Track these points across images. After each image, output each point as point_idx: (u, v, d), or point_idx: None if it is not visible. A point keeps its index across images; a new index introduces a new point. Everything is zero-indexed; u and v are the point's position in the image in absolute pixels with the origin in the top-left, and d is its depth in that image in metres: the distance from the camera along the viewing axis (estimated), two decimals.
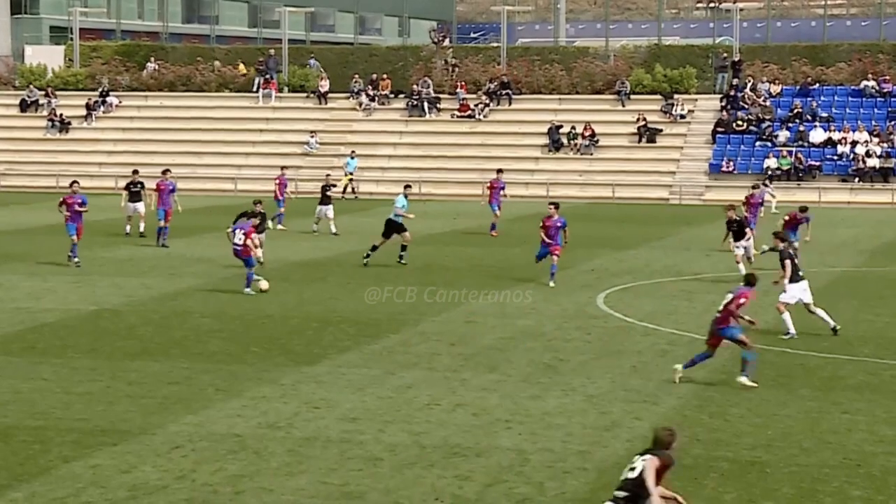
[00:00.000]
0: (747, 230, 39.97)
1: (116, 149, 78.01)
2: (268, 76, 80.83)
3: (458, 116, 77.72)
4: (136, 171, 50.90)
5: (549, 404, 23.38)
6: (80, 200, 41.66)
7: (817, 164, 70.45)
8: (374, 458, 19.86)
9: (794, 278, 29.92)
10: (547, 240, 37.93)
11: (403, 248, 42.18)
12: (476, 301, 34.99)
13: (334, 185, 55.20)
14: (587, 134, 74.14)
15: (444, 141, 75.96)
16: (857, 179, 69.18)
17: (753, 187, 51.39)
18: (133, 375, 25.56)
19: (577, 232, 49.80)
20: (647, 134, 74.06)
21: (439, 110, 78.01)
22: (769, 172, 69.96)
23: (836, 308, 34.02)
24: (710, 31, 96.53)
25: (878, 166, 69.32)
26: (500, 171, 54.85)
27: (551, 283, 37.30)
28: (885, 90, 74.38)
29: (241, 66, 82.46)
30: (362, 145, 75.66)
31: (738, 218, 40.22)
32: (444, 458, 19.86)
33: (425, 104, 77.75)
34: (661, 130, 74.34)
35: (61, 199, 42.33)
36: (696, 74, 77.68)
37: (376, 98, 79.11)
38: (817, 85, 76.08)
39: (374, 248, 41.76)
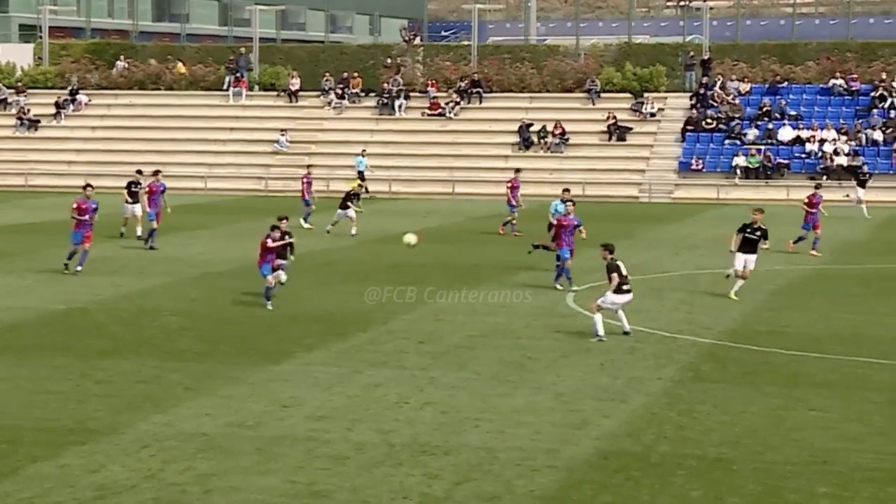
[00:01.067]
0: (763, 243, 35.78)
1: (86, 147, 77.79)
2: (238, 74, 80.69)
3: (428, 115, 77.72)
4: (139, 171, 50.28)
5: (519, 402, 23.41)
6: (93, 206, 39.39)
7: (786, 162, 70.70)
8: (341, 456, 19.85)
9: (620, 290, 29.27)
10: (563, 241, 36.95)
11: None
12: (445, 299, 35.01)
13: (357, 196, 54.71)
14: (557, 132, 74.22)
15: (414, 139, 75.98)
16: (824, 177, 69.39)
17: (816, 187, 50.01)
18: (102, 374, 25.50)
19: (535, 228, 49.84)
20: (617, 132, 74.18)
21: (408, 108, 77.98)
22: (737, 171, 70.21)
23: (804, 305, 34.21)
24: (681, 29, 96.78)
25: (845, 164, 69.57)
26: (518, 170, 54.46)
27: (559, 286, 36.76)
28: (853, 88, 74.68)
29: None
30: (332, 143, 75.72)
31: (763, 226, 35.47)
32: (412, 456, 19.87)
33: (395, 102, 77.74)
34: (630, 129, 74.46)
35: (75, 204, 39.61)
36: (665, 73, 77.88)
37: (347, 96, 79.05)
38: (786, 83, 76.34)
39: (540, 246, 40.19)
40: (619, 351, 28.01)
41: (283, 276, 33.85)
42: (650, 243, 49.36)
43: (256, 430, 21.36)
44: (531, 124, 74.70)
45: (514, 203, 51.40)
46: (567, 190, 44.00)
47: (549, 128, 74.37)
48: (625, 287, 29.28)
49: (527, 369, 26.28)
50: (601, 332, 28.94)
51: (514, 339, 29.41)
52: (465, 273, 40.03)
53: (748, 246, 35.13)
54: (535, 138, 74.46)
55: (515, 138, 74.90)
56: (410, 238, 32.72)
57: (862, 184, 61.40)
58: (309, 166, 58.22)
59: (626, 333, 29.21)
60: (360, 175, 65.98)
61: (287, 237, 34.03)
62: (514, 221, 50.91)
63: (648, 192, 70.39)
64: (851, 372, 26.29)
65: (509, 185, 52.23)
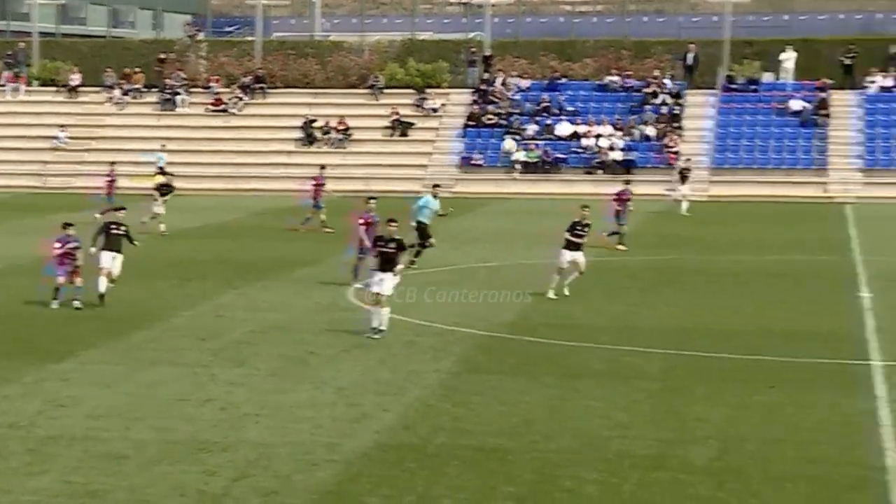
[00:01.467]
0: (583, 242, 35.01)
1: None
2: (16, 70, 78.92)
3: (211, 110, 77.05)
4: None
5: (299, 397, 23.39)
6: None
7: (564, 156, 71.86)
8: (119, 455, 19.60)
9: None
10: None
11: (424, 247, 41.03)
12: (226, 295, 34.79)
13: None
14: (341, 128, 74.28)
15: (197, 135, 75.23)
16: (600, 171, 70.77)
17: (626, 182, 50.56)
18: None
19: (334, 225, 49.91)
20: (400, 128, 74.54)
21: (191, 104, 77.24)
22: (517, 166, 71.13)
23: (582, 297, 34.76)
24: (463, 26, 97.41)
25: (620, 158, 71.05)
26: (322, 166, 54.11)
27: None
28: (628, 85, 76.21)
29: None
30: (113, 139, 74.52)
31: (587, 222, 35.17)
32: (190, 453, 19.71)
33: (177, 98, 76.89)
34: (413, 124, 74.86)
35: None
36: (448, 69, 78.47)
37: (129, 92, 77.90)
38: (564, 79, 77.60)
39: (418, 253, 40.30)
40: (399, 345, 28.16)
41: (115, 270, 33.26)
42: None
43: (29, 431, 20.94)
44: (314, 120, 74.60)
45: (317, 200, 51.21)
46: (437, 185, 43.78)
47: (333, 123, 74.37)
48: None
49: (308, 365, 26.28)
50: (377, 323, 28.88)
51: (295, 335, 29.36)
52: (245, 269, 39.81)
53: (575, 243, 34.75)
54: (318, 134, 74.41)
55: (299, 134, 74.71)
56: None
57: (683, 179, 61.63)
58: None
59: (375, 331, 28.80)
60: (161, 171, 65.05)
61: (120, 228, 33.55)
62: (324, 217, 50.68)
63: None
64: (624, 361, 26.85)
65: (314, 182, 52.07)
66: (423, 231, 40.88)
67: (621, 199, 47.73)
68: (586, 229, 35.07)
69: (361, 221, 35.84)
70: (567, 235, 34.87)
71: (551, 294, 34.36)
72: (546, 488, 18.17)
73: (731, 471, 18.94)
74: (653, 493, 17.91)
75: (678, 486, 18.25)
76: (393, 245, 29.14)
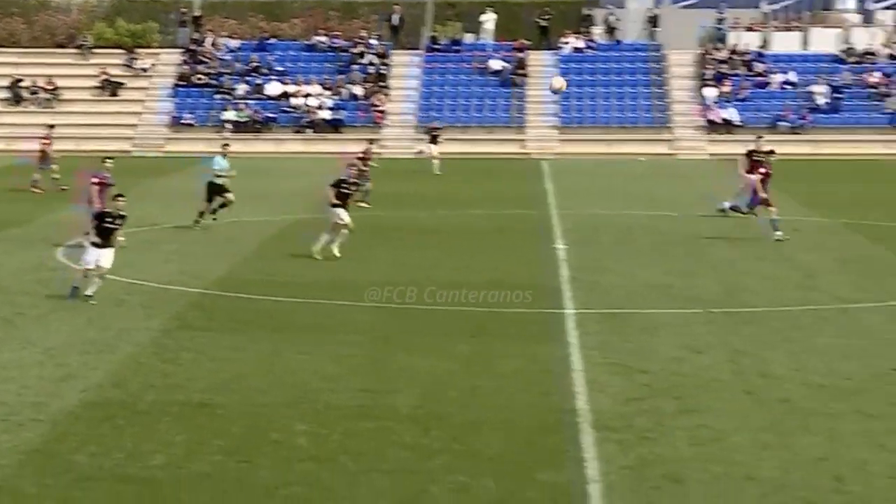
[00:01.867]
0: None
1: None
2: None
3: None
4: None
5: (5, 358, 22.80)
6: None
7: (274, 116, 71.60)
8: None
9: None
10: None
11: (223, 206, 39.92)
12: None
13: None
14: (49, 88, 72.43)
15: None
16: (310, 130, 70.81)
17: (370, 142, 48.08)
18: None
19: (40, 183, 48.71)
20: (110, 87, 73.12)
21: None
22: (226, 125, 70.58)
23: (287, 254, 34.69)
24: None
25: (329, 118, 71.20)
26: (51, 126, 52.45)
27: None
28: (335, 45, 76.34)
29: None
30: None
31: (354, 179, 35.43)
32: None
33: None
34: (123, 84, 73.51)
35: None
36: (158, 29, 77.30)
37: None
38: (273, 40, 77.27)
39: (202, 213, 39.31)
40: (108, 304, 27.66)
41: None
42: (140, 196, 48.78)
43: None
44: (21, 80, 72.52)
45: (45, 160, 50.17)
46: (227, 145, 43.14)
47: (41, 83, 72.45)
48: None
49: (14, 325, 25.64)
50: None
51: (2, 296, 28.60)
52: None
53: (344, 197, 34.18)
54: (25, 94, 72.43)
55: (6, 94, 72.55)
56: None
57: (434, 140, 61.09)
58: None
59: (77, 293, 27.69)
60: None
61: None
62: (56, 176, 49.61)
63: (141, 147, 69.72)
64: (335, 315, 26.97)
65: (42, 141, 50.99)
66: (215, 190, 40.09)
67: (365, 158, 47.31)
68: (353, 187, 34.93)
69: (96, 181, 35.02)
70: (333, 192, 34.20)
71: (318, 254, 33.66)
72: (255, 441, 18.16)
73: (434, 417, 19.27)
74: (360, 442, 18.10)
75: (384, 433, 18.49)
76: (119, 221, 28.18)
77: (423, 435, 18.43)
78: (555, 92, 24.27)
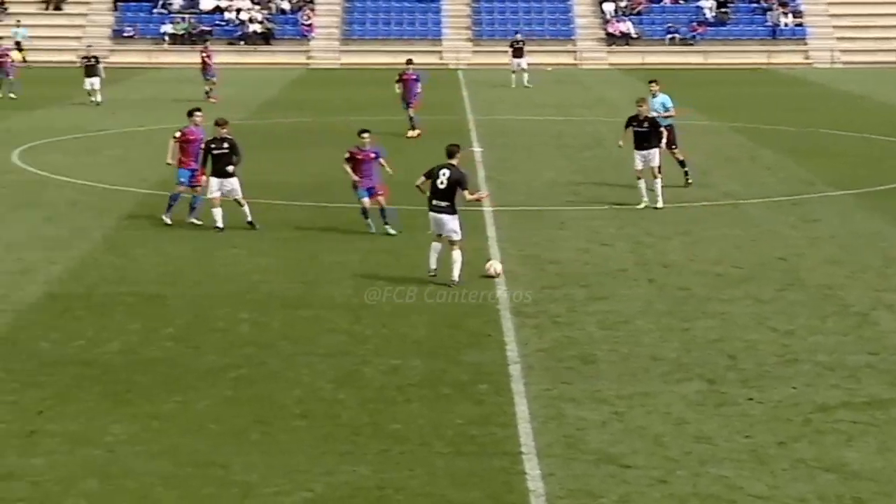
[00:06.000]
0: (661, 133, 27.38)
1: None
2: None
3: None
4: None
5: None
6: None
7: (209, 28, 70.62)
8: None
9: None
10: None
11: None
12: None
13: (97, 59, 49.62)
14: None
15: None
16: (242, 42, 69.98)
17: (408, 62, 41.38)
18: None
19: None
20: (54, 1, 71.72)
21: None
22: (166, 37, 69.59)
23: None
24: None
25: (260, 31, 70.39)
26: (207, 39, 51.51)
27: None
28: None
29: None
30: None
31: (646, 115, 27.51)
32: None
33: None
34: None
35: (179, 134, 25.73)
36: None
37: None
38: None
39: None
40: (64, 204, 27.37)
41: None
42: (85, 105, 48.18)
43: None
44: None
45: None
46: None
47: None
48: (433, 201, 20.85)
49: None
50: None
51: None
52: None
53: (640, 141, 27.30)
54: None
55: None
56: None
57: (518, 53, 58.57)
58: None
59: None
60: (18, 45, 61.88)
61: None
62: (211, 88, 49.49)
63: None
64: (268, 213, 26.76)
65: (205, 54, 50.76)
66: None
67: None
68: (644, 125, 27.15)
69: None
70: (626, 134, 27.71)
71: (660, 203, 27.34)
72: (202, 328, 18.16)
73: (364, 307, 19.31)
74: (298, 328, 18.15)
75: (321, 321, 18.53)
76: (226, 146, 24.58)
77: (356, 322, 18.49)
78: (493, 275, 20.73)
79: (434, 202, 20.59)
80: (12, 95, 48.49)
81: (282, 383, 15.75)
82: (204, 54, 51.23)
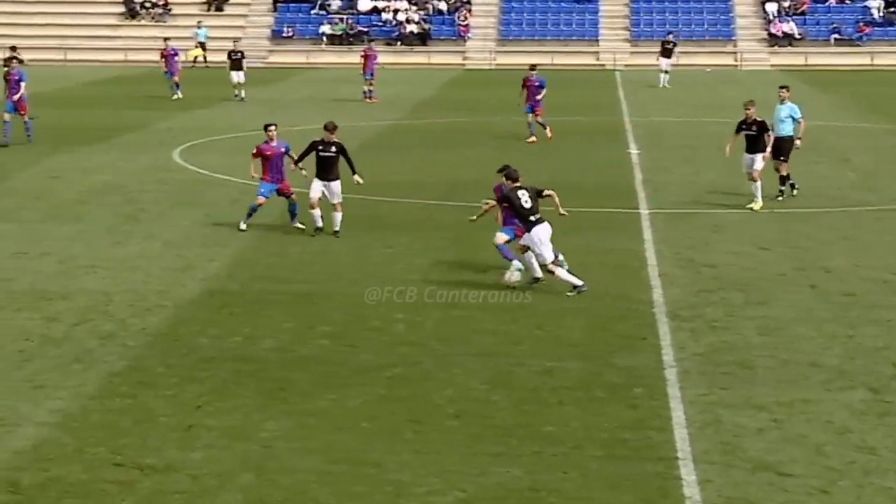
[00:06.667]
0: (768, 136, 27.13)
1: None
2: None
3: None
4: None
5: (131, 250, 23.13)
6: (282, 149, 25.20)
7: (366, 29, 71.34)
8: None
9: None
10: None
11: None
12: (58, 159, 34.02)
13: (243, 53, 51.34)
14: (161, 3, 72.58)
15: (25, 9, 72.65)
16: (399, 43, 70.54)
17: (531, 67, 39.85)
18: None
19: (146, 93, 49.07)
20: (216, 2, 73.12)
21: None
22: (324, 38, 70.51)
23: (378, 158, 34.75)
24: None
25: (416, 31, 70.87)
26: (372, 39, 52.82)
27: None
28: None
29: None
30: None
31: (754, 118, 27.21)
32: (31, 301, 19.41)
33: None
34: None
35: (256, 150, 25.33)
36: None
37: None
38: None
39: None
40: (222, 203, 27.90)
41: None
42: (246, 105, 49.09)
43: None
44: None
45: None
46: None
47: None
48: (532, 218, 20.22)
49: (138, 221, 25.94)
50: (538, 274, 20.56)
51: (125, 194, 28.92)
52: (75, 134, 38.91)
53: (749, 145, 27.42)
54: (138, 8, 72.66)
55: (122, 8, 72.82)
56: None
57: (667, 53, 58.75)
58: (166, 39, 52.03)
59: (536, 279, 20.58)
60: (202, 45, 64.09)
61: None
62: (372, 89, 49.63)
63: (246, 58, 69.60)
64: (418, 213, 26.95)
65: (169, 54, 50.84)
66: None
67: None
68: (753, 128, 27.36)
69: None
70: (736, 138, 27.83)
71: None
72: (357, 327, 18.32)
73: (519, 307, 19.30)
74: (451, 328, 18.21)
75: (474, 321, 18.57)
76: (333, 148, 24.42)
77: (511, 322, 18.49)
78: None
79: (532, 218, 20.07)
80: (178, 96, 49.58)
81: (435, 383, 15.82)
82: (367, 54, 51.34)
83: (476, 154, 35.96)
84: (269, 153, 24.90)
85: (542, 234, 19.98)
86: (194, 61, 65.51)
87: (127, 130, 39.83)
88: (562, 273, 19.97)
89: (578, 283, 19.88)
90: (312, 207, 24.45)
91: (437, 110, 47.60)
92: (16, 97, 36.33)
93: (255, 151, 25.23)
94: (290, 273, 21.55)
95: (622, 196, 29.05)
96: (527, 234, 20.14)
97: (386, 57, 67.50)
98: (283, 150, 24.95)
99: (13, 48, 45.47)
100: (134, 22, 72.07)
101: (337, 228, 24.38)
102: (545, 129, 38.42)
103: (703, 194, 29.27)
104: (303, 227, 24.83)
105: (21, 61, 41.15)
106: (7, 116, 36.30)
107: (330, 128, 24.72)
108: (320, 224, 24.43)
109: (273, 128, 25.13)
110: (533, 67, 39.64)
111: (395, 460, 13.28)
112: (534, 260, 20.38)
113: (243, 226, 24.68)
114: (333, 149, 24.50)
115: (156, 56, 53.07)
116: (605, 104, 49.86)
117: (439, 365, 16.55)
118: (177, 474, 12.91)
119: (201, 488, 12.61)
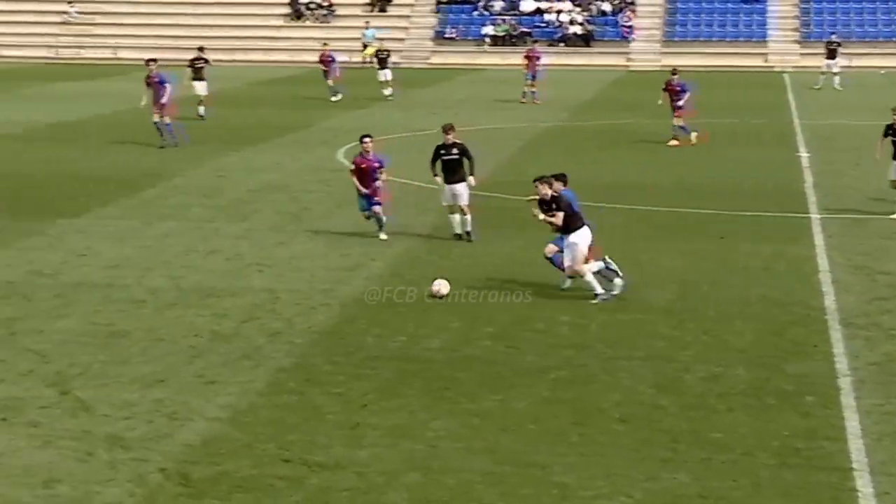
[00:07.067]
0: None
1: None
2: None
3: None
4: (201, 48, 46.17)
5: (296, 249, 23.46)
6: (376, 164, 24.58)
7: (528, 30, 71.31)
8: (137, 300, 19.70)
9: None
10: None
11: None
12: (225, 157, 34.68)
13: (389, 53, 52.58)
14: (325, 4, 73.49)
15: (194, 10, 74.18)
16: (562, 44, 70.37)
17: (673, 72, 39.43)
18: None
19: (310, 93, 49.72)
20: (380, 3, 73.79)
21: None
22: (487, 39, 70.66)
23: (541, 157, 34.71)
24: None
25: (580, 32, 70.61)
26: (535, 40, 53.36)
27: None
28: None
29: None
30: (116, 14, 73.42)
31: None
32: (201, 299, 19.82)
33: None
34: (391, 0, 74.08)
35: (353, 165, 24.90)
36: None
37: None
38: None
39: None
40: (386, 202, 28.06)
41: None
42: (408, 105, 49.45)
43: (55, 278, 21.01)
44: None
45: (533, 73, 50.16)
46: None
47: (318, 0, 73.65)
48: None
49: (302, 220, 26.31)
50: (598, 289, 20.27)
51: (290, 193, 29.35)
52: (242, 133, 39.62)
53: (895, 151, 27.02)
54: (303, 9, 73.70)
55: (287, 10, 73.92)
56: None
57: (832, 54, 57.78)
58: (325, 42, 51.78)
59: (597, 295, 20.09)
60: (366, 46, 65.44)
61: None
62: (535, 90, 49.81)
63: (409, 59, 70.27)
64: (592, 214, 26.71)
65: (527, 55, 51.01)
66: None
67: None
68: None
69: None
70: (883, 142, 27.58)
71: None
72: (522, 328, 18.33)
73: (687, 311, 19.14)
74: (617, 332, 18.11)
75: (640, 325, 18.45)
76: (456, 151, 24.38)
77: (677, 327, 18.32)
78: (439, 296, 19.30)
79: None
80: (336, 97, 50.07)
81: (600, 386, 15.75)
82: (530, 55, 51.13)
83: (638, 156, 35.70)
84: (364, 166, 24.32)
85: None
86: (369, 60, 66.04)
87: (290, 130, 40.43)
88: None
89: (567, 283, 20.27)
90: (450, 213, 24.38)
91: (600, 111, 47.35)
92: (164, 100, 36.28)
93: (352, 168, 24.58)
94: (452, 273, 21.47)
95: (792, 200, 28.58)
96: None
97: (548, 58, 67.41)
98: (377, 164, 24.42)
99: (200, 48, 46.50)
100: (299, 23, 73.09)
101: (468, 229, 24.14)
102: (688, 133, 37.95)
103: (876, 200, 28.60)
104: (385, 238, 24.11)
105: (206, 61, 42.47)
106: (166, 119, 36.42)
107: (447, 129, 24.55)
108: (458, 231, 24.27)
109: (368, 139, 24.59)
110: (674, 71, 39.29)
111: (560, 462, 13.25)
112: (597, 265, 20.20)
113: (383, 236, 24.27)
114: (455, 150, 24.33)
115: (312, 57, 53.60)
116: (774, 106, 49.07)
117: (604, 368, 16.47)
118: (343, 472, 13.05)
119: (368, 486, 12.73)
